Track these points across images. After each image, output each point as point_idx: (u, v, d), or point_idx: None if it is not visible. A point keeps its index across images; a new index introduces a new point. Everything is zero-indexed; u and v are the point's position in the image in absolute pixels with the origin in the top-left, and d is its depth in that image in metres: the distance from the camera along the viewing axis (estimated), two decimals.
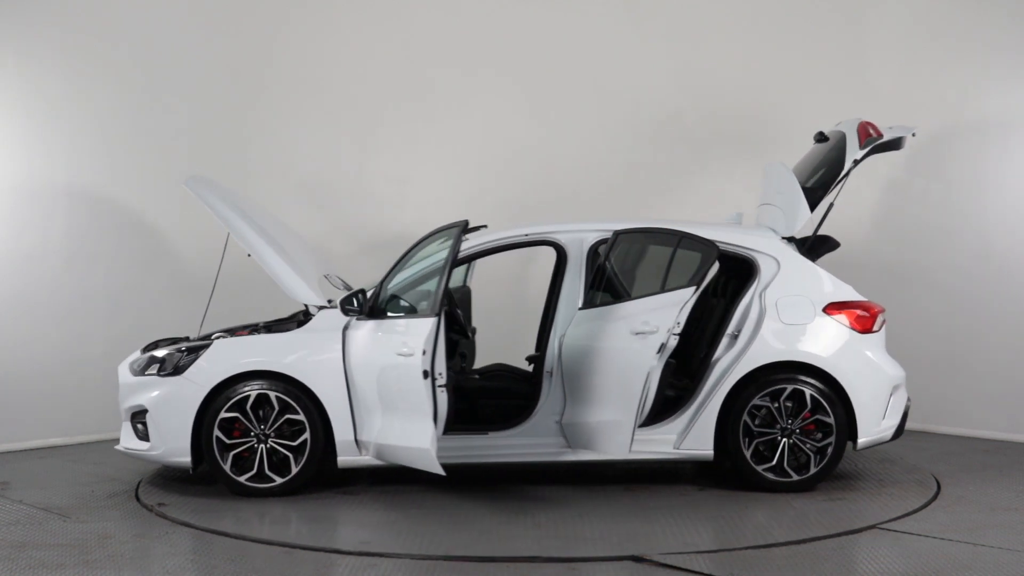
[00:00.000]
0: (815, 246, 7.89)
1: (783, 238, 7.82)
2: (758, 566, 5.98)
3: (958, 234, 9.60)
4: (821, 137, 8.04)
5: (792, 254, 7.73)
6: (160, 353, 7.70)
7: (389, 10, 10.78)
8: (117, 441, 9.23)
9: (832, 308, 7.59)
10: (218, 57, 10.16)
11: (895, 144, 7.77)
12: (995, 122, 9.46)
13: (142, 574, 5.95)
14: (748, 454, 7.46)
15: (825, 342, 7.52)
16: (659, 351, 7.03)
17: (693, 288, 7.00)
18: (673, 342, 7.24)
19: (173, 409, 7.44)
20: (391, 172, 10.74)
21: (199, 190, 7.85)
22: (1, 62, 9.18)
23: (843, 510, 7.05)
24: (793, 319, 7.56)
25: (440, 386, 6.98)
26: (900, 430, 7.72)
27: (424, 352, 6.82)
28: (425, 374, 6.82)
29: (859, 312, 7.61)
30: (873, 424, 7.53)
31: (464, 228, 7.15)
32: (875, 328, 7.63)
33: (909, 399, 7.86)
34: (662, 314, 6.98)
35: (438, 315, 6.91)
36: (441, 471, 6.87)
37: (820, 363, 7.48)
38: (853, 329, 7.56)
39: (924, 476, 7.95)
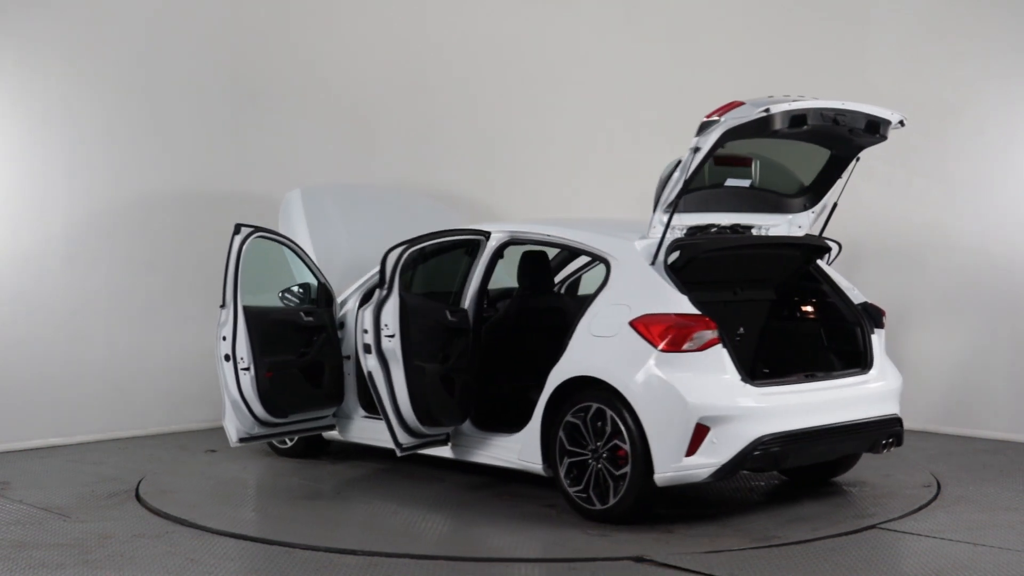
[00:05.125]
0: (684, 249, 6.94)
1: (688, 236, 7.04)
2: (758, 566, 5.98)
3: (958, 234, 9.58)
4: None
5: (632, 258, 6.92)
6: None
7: (389, 10, 10.79)
8: (117, 441, 9.34)
9: (637, 321, 6.67)
10: (219, 56, 10.16)
11: (757, 129, 6.64)
12: (995, 122, 9.45)
13: (142, 574, 5.95)
14: (562, 473, 6.91)
15: (621, 358, 6.66)
16: (369, 352, 7.12)
17: (384, 290, 7.12)
18: (388, 344, 7.09)
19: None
20: (391, 171, 10.74)
21: (289, 205, 8.60)
22: (1, 62, 9.18)
23: (843, 510, 7.05)
24: (601, 331, 6.82)
25: (242, 369, 7.50)
26: (733, 468, 6.52)
27: (224, 338, 7.49)
28: (227, 357, 7.49)
29: (664, 327, 6.57)
30: (671, 459, 6.48)
31: (236, 230, 7.53)
32: (687, 347, 6.55)
33: (775, 442, 6.58)
34: (370, 315, 7.20)
35: (233, 307, 7.48)
36: (231, 444, 7.63)
37: (613, 381, 6.67)
38: (655, 347, 6.57)
39: (924, 476, 7.94)
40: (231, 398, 7.55)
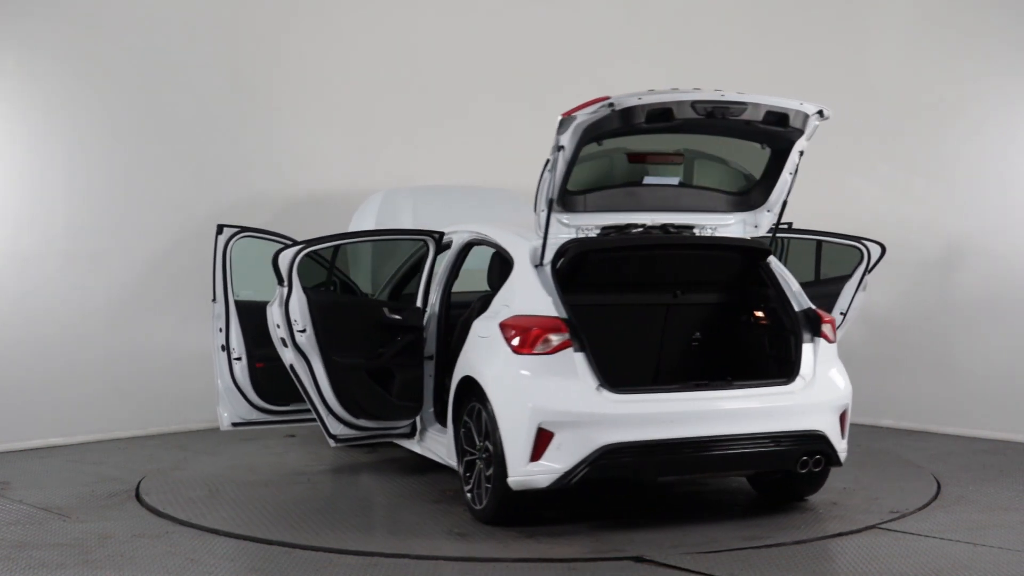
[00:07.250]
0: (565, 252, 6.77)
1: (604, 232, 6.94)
2: (758, 566, 5.98)
3: (958, 234, 9.59)
4: None
5: (523, 259, 6.85)
6: None
7: (389, 11, 10.79)
8: (117, 441, 9.35)
9: (504, 322, 6.64)
10: (220, 56, 10.16)
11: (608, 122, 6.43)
12: (995, 122, 9.46)
13: (142, 574, 5.96)
14: (462, 471, 6.92)
15: (489, 359, 6.68)
16: (285, 346, 7.27)
17: (284, 288, 7.19)
18: (301, 339, 7.20)
19: None
20: (391, 172, 10.74)
21: (367, 204, 9.18)
22: (1, 62, 9.18)
23: (843, 510, 7.05)
24: (484, 331, 6.81)
25: (235, 359, 7.87)
26: (577, 475, 6.31)
27: (220, 330, 7.86)
28: (223, 348, 7.85)
29: (518, 330, 6.52)
30: (520, 462, 6.37)
31: (219, 230, 7.80)
32: (538, 350, 6.45)
33: (625, 451, 6.34)
34: (278, 311, 7.33)
35: (224, 301, 7.82)
36: (222, 428, 7.98)
37: (481, 382, 6.66)
38: (512, 349, 6.52)
39: (924, 476, 7.94)
40: (224, 385, 7.90)
